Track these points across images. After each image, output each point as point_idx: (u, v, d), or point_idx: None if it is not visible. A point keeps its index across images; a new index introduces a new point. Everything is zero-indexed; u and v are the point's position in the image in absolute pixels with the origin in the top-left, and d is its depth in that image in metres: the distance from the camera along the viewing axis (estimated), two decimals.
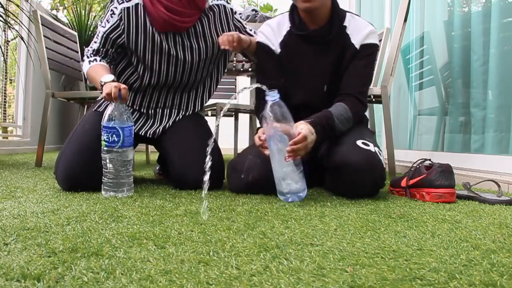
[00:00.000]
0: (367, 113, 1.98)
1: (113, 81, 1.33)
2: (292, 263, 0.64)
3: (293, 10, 1.50)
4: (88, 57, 1.51)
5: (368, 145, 1.31)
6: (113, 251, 0.68)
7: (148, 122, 1.59)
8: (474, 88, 2.23)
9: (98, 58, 1.49)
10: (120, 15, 1.47)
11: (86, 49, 1.54)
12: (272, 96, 1.21)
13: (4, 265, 0.60)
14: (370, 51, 1.49)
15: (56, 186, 1.44)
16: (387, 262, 0.65)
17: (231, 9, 1.63)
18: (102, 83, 1.33)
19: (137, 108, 1.59)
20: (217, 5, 1.59)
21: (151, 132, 1.57)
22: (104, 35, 1.49)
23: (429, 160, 1.37)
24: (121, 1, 1.48)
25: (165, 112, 1.60)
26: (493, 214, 1.09)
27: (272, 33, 1.53)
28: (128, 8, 1.47)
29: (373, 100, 2.07)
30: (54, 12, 4.64)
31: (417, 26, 2.94)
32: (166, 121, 1.59)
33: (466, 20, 2.39)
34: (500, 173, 1.77)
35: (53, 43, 2.58)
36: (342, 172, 1.30)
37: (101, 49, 1.51)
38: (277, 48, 1.52)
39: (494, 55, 2.07)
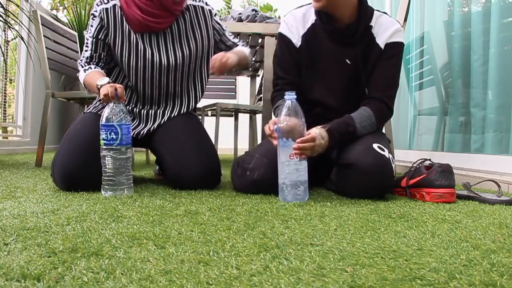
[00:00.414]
0: None
1: (108, 83, 1.35)
2: (292, 263, 0.64)
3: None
4: (82, 67, 1.52)
5: (383, 150, 1.30)
6: (113, 251, 0.68)
7: (134, 121, 1.58)
8: (474, 88, 2.23)
9: (92, 66, 1.51)
10: (100, 15, 1.50)
11: (78, 61, 1.56)
12: (289, 96, 1.24)
13: (4, 265, 0.60)
14: (396, 50, 1.44)
15: (55, 186, 1.44)
16: (387, 262, 0.65)
17: (210, 10, 1.63)
18: (99, 86, 1.35)
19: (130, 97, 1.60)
20: (194, 5, 1.59)
21: (135, 133, 1.56)
22: (93, 39, 1.52)
23: (429, 160, 1.37)
24: (100, 3, 1.51)
25: (150, 114, 1.58)
26: (493, 214, 1.09)
27: (296, 24, 1.49)
28: (106, 8, 1.50)
29: None
30: (54, 12, 4.64)
31: (417, 26, 2.94)
32: (152, 123, 1.58)
33: (466, 20, 2.39)
34: (500, 173, 1.77)
35: (53, 43, 2.58)
36: (353, 171, 1.29)
37: (94, 54, 1.53)
38: (298, 41, 1.48)
39: (494, 55, 2.07)
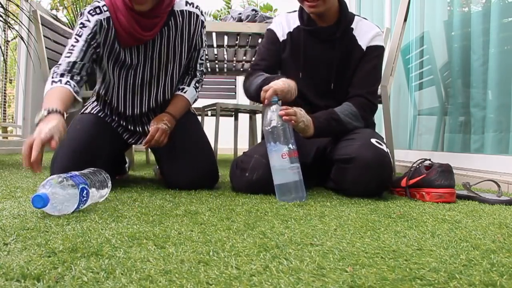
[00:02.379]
0: None
1: (49, 113, 1.12)
2: (292, 263, 0.64)
3: (302, 9, 1.55)
4: (52, 77, 1.31)
5: (381, 145, 1.33)
6: (113, 251, 0.68)
7: (130, 127, 1.55)
8: (474, 88, 2.23)
9: (63, 79, 1.30)
10: (95, 27, 1.38)
11: (54, 68, 1.35)
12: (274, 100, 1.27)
13: (4, 265, 0.60)
14: (377, 53, 1.54)
15: None
16: (387, 262, 0.65)
17: (202, 21, 1.53)
18: (36, 121, 1.12)
19: (118, 112, 1.54)
20: (190, 12, 1.49)
21: (133, 140, 1.56)
22: (84, 47, 1.37)
23: (429, 160, 1.37)
24: (94, 13, 1.39)
25: (144, 121, 1.55)
26: (493, 214, 1.09)
27: (283, 23, 1.59)
28: (101, 20, 1.39)
29: None
30: (54, 12, 4.64)
31: (417, 26, 2.94)
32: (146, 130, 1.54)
33: (466, 20, 2.39)
34: (500, 173, 1.77)
35: (53, 43, 2.58)
36: (353, 165, 1.30)
37: (78, 62, 1.35)
38: (282, 36, 1.57)
39: (494, 55, 2.07)
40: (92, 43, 1.39)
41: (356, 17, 1.56)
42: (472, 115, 2.23)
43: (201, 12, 1.54)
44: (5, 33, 3.49)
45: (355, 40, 1.52)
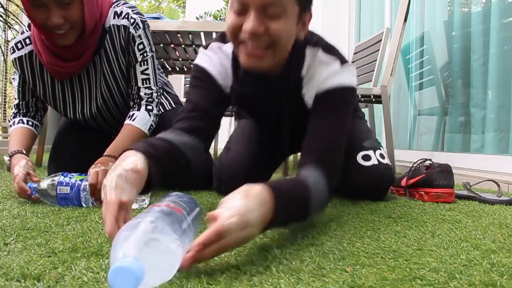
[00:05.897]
0: (367, 113, 1.95)
1: (11, 157, 1.20)
2: (292, 263, 0.64)
3: (236, 57, 1.02)
4: (9, 121, 1.38)
5: (370, 158, 1.23)
6: None
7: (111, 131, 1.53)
8: (474, 88, 2.24)
9: (16, 120, 1.36)
10: (15, 66, 1.33)
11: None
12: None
13: (4, 265, 0.60)
14: (334, 99, 0.98)
15: None
16: (387, 262, 0.65)
17: (132, 34, 1.29)
18: (7, 161, 1.21)
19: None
20: (118, 26, 1.28)
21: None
22: (19, 88, 1.37)
23: (430, 160, 1.37)
24: (12, 51, 1.32)
25: (118, 124, 1.48)
26: (493, 214, 1.09)
27: (220, 68, 1.07)
28: (20, 57, 1.32)
29: (373, 100, 2.07)
30: None
31: (417, 26, 2.94)
32: None
33: (466, 20, 2.39)
34: (500, 173, 1.77)
35: None
36: (345, 189, 1.25)
37: (21, 103, 1.38)
38: (226, 88, 1.08)
39: (494, 55, 2.07)
40: (27, 86, 1.36)
41: (307, 51, 1.02)
42: (472, 115, 2.24)
43: (133, 21, 1.29)
44: (5, 33, 3.49)
45: (300, 93, 1.04)
